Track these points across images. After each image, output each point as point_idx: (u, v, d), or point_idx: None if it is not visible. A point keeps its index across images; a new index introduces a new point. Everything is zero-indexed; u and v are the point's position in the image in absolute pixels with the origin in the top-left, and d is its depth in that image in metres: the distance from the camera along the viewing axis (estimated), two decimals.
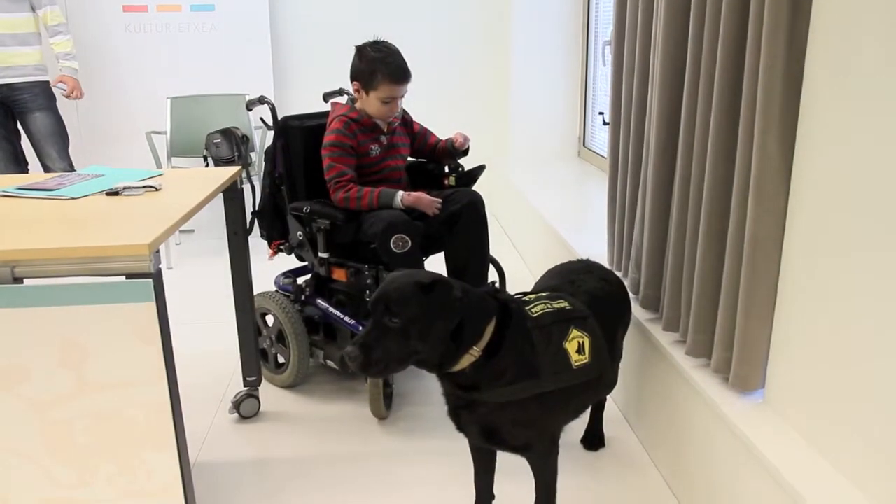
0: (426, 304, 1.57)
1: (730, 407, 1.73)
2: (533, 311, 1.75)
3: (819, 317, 1.52)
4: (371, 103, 2.49)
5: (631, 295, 2.37)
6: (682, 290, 2.02)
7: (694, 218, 1.92)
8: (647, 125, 2.22)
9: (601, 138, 4.35)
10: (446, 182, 2.69)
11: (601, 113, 4.27)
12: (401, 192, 2.43)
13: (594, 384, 1.83)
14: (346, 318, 2.50)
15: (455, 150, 2.65)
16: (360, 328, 2.44)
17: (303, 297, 2.64)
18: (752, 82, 1.62)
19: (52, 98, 3.88)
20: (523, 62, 4.61)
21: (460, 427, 1.78)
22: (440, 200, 2.46)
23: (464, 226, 2.49)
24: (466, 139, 2.64)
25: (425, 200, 2.44)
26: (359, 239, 2.44)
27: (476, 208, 2.50)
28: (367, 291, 2.42)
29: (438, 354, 1.61)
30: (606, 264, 2.68)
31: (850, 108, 1.39)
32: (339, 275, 2.53)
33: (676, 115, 2.03)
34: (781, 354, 1.67)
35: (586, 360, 1.74)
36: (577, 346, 1.74)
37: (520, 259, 4.20)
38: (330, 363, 2.60)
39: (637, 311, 2.28)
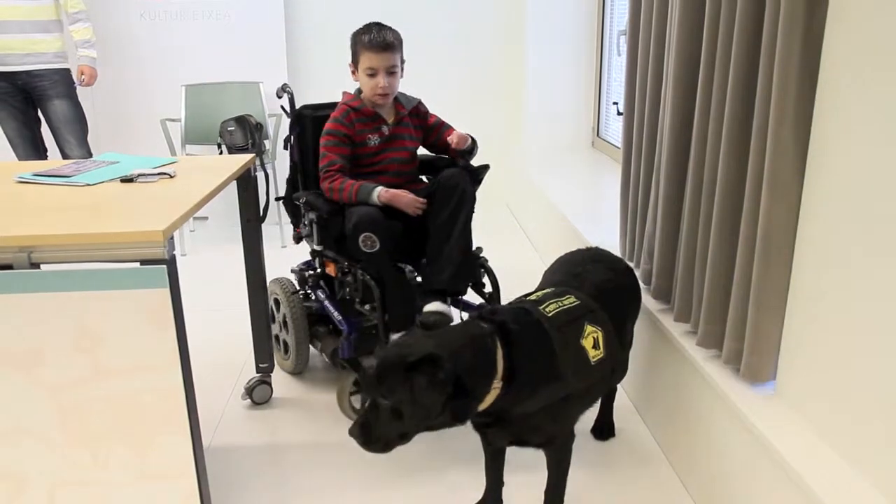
0: (411, 384, 1.51)
1: (740, 398, 1.73)
2: (547, 310, 1.73)
3: (832, 308, 1.51)
4: (362, 81, 2.42)
5: (642, 285, 2.37)
6: (693, 280, 2.02)
7: (707, 209, 1.92)
8: (661, 115, 2.21)
9: (615, 128, 4.34)
10: None
11: (615, 103, 4.25)
12: (379, 188, 2.33)
13: (607, 375, 1.84)
14: (335, 314, 2.45)
15: (456, 150, 2.50)
16: (345, 326, 2.39)
17: (307, 287, 2.62)
18: (767, 73, 1.61)
19: (72, 85, 3.89)
20: (538, 52, 4.59)
21: (491, 442, 1.81)
22: (423, 201, 2.34)
23: (437, 200, 2.34)
24: (463, 139, 2.47)
25: (404, 199, 2.33)
26: (344, 233, 2.35)
27: (451, 182, 2.34)
28: (347, 289, 2.37)
29: (447, 418, 1.57)
30: (619, 254, 2.67)
31: (866, 100, 1.38)
32: (331, 269, 2.49)
33: (691, 105, 2.02)
34: (793, 346, 1.66)
35: (602, 355, 1.75)
36: (592, 342, 1.74)
37: (532, 249, 4.19)
38: (324, 355, 2.59)
39: (648, 301, 2.28)
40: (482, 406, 1.60)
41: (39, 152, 3.93)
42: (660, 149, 2.20)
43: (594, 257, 2.05)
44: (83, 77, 3.87)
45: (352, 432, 1.56)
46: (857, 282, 1.43)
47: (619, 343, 1.85)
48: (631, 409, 2.45)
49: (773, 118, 1.58)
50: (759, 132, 1.66)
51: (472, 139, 2.53)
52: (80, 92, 3.98)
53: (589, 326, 1.76)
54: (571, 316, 1.75)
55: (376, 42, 2.35)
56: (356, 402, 2.38)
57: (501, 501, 1.97)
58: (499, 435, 1.77)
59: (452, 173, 2.37)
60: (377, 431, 1.55)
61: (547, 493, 1.86)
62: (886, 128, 1.33)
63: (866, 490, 1.41)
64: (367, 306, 2.33)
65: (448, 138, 2.48)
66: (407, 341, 1.64)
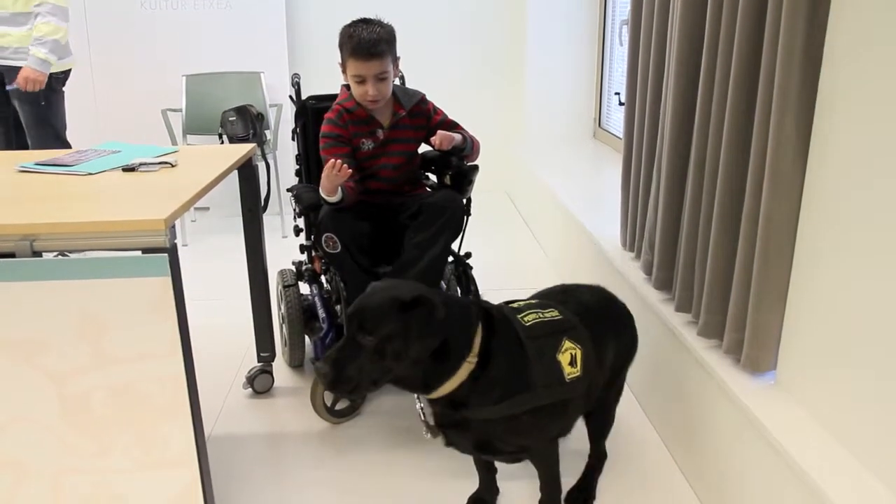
0: (404, 323, 1.49)
1: (741, 388, 1.73)
2: (525, 319, 1.67)
3: (833, 299, 1.51)
4: (351, 85, 2.28)
5: (643, 276, 2.37)
6: (694, 271, 2.02)
7: (708, 199, 1.92)
8: (662, 106, 2.21)
9: (617, 119, 4.33)
10: (445, 180, 2.46)
11: (617, 93, 4.25)
12: (321, 187, 2.18)
13: (589, 394, 1.76)
14: (321, 311, 2.39)
15: (442, 151, 2.34)
16: (325, 325, 2.35)
17: (304, 280, 2.59)
18: (770, 62, 1.61)
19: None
20: (539, 42, 4.58)
21: (448, 443, 1.71)
22: (338, 162, 2.11)
23: (420, 221, 2.25)
24: (447, 139, 2.30)
25: (327, 183, 2.13)
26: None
27: (438, 206, 2.24)
28: (330, 287, 2.32)
29: (419, 376, 1.54)
30: (619, 245, 2.68)
31: (869, 89, 1.38)
32: (317, 265, 2.46)
33: (692, 96, 2.01)
34: (794, 336, 1.67)
35: (578, 374, 1.67)
36: (569, 358, 1.66)
37: (533, 239, 4.19)
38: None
39: (650, 292, 2.28)
40: (451, 384, 1.56)
41: (11, 149, 3.66)
42: (661, 139, 2.20)
43: (591, 289, 1.94)
44: (20, 81, 3.42)
45: (320, 369, 1.50)
46: (857, 273, 1.43)
47: (598, 365, 1.76)
48: (631, 397, 2.45)
49: (776, 108, 1.58)
50: (761, 123, 1.65)
51: (466, 137, 2.39)
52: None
53: (568, 342, 1.67)
54: (550, 329, 1.68)
55: (362, 49, 2.18)
56: (328, 399, 2.34)
57: (497, 488, 1.98)
58: (460, 439, 1.69)
59: (442, 197, 2.28)
60: (348, 371, 1.49)
61: (541, 489, 1.84)
62: (888, 120, 1.33)
63: (866, 478, 1.41)
64: (338, 306, 2.30)
65: (432, 139, 2.34)
66: (392, 285, 1.58)
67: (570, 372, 1.65)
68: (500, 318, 1.65)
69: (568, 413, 1.74)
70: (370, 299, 1.53)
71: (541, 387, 1.60)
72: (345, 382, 1.51)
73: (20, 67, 3.47)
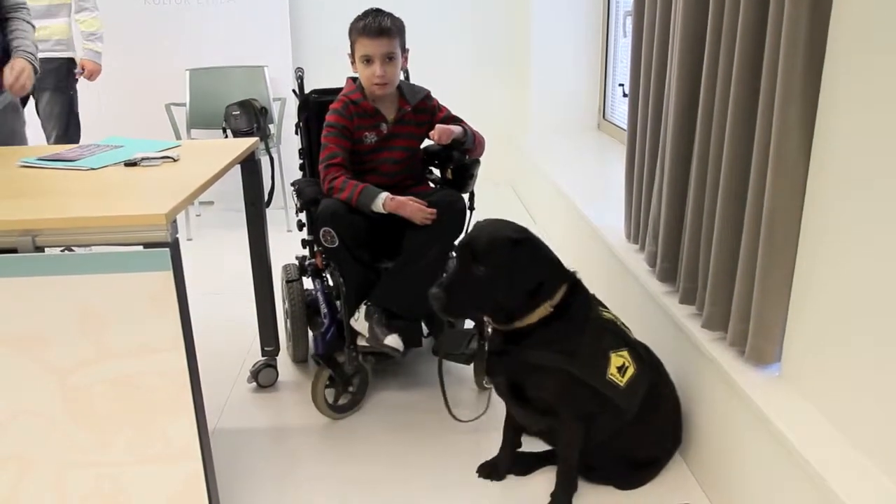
0: (514, 258, 1.66)
1: (745, 380, 1.73)
2: (604, 314, 1.82)
3: (837, 290, 1.50)
4: (359, 71, 2.30)
5: (647, 268, 2.36)
6: (699, 262, 2.01)
7: (712, 190, 1.91)
8: (666, 97, 2.20)
9: (621, 111, 4.31)
10: (447, 175, 2.45)
11: (621, 85, 4.23)
12: (384, 196, 2.18)
13: (616, 413, 1.83)
14: (323, 306, 2.39)
15: (442, 145, 2.34)
16: (326, 320, 2.35)
17: (307, 275, 2.58)
18: (773, 51, 1.59)
19: (63, 79, 3.62)
20: (544, 34, 4.56)
21: (490, 372, 1.86)
22: (433, 211, 2.19)
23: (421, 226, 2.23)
24: (445, 134, 2.29)
25: (410, 208, 2.18)
26: None
27: (439, 209, 2.22)
28: (331, 282, 2.33)
29: (510, 308, 1.70)
30: (623, 237, 2.67)
31: (873, 77, 1.37)
32: (318, 260, 2.45)
33: (696, 86, 2.00)
34: (798, 327, 1.66)
35: (620, 384, 1.75)
36: (620, 364, 1.76)
37: (538, 232, 4.18)
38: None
39: (654, 284, 2.27)
40: (526, 321, 1.72)
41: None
42: (665, 130, 2.19)
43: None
44: (83, 72, 3.63)
45: (434, 294, 1.68)
46: (862, 264, 1.42)
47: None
48: None
49: (779, 99, 1.56)
50: (765, 113, 1.64)
51: (467, 130, 2.39)
52: (80, 79, 3.82)
53: (628, 353, 1.78)
54: (620, 333, 1.82)
55: (371, 28, 2.23)
56: (330, 396, 2.34)
57: (514, 462, 2.00)
58: (501, 370, 1.82)
59: (444, 198, 2.26)
60: (459, 297, 1.68)
61: (557, 474, 1.90)
62: (892, 111, 1.31)
63: (870, 471, 1.41)
64: (339, 301, 2.31)
65: (430, 133, 2.32)
66: (499, 222, 1.79)
67: (614, 375, 1.75)
68: (584, 294, 1.80)
69: (601, 406, 1.79)
70: (481, 234, 1.71)
71: (583, 358, 1.72)
72: (455, 306, 1.70)
73: (55, 58, 3.52)
